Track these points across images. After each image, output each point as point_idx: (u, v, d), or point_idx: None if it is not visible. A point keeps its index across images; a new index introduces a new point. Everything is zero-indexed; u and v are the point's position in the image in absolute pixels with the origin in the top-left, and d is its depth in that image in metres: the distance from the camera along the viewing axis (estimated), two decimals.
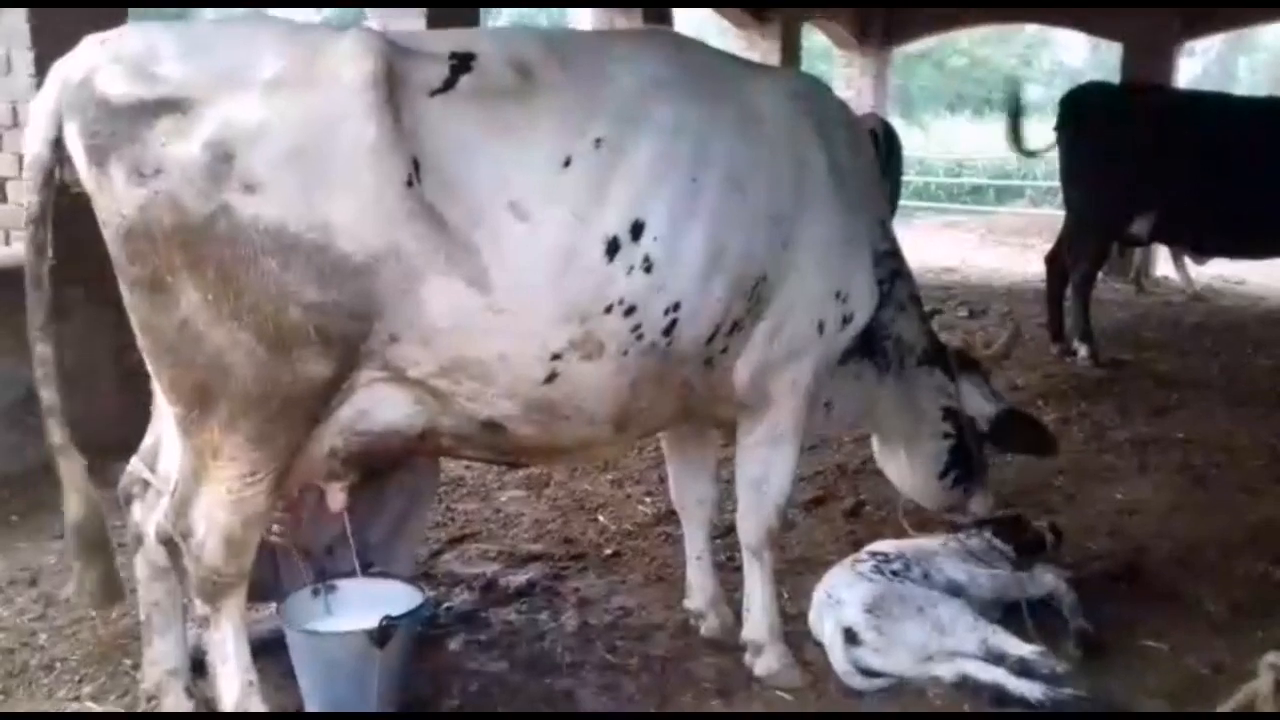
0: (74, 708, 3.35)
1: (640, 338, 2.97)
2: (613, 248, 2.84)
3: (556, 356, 2.88)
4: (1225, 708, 3.08)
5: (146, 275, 2.54)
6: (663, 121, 2.96)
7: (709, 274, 3.04)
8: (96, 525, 2.83)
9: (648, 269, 2.90)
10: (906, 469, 4.20)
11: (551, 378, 2.90)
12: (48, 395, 2.76)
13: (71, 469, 2.79)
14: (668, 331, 3.01)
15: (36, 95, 2.61)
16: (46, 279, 2.70)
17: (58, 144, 2.57)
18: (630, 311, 2.91)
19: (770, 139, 3.25)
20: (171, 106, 2.45)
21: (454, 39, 2.80)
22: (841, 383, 3.85)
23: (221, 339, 2.56)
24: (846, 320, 3.51)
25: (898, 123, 15.83)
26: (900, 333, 3.98)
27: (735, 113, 3.20)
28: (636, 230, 2.87)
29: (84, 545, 2.82)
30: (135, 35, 2.56)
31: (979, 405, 4.16)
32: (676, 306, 3.00)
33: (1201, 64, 31.55)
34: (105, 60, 2.49)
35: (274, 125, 2.48)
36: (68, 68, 2.54)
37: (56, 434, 2.78)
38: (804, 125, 3.37)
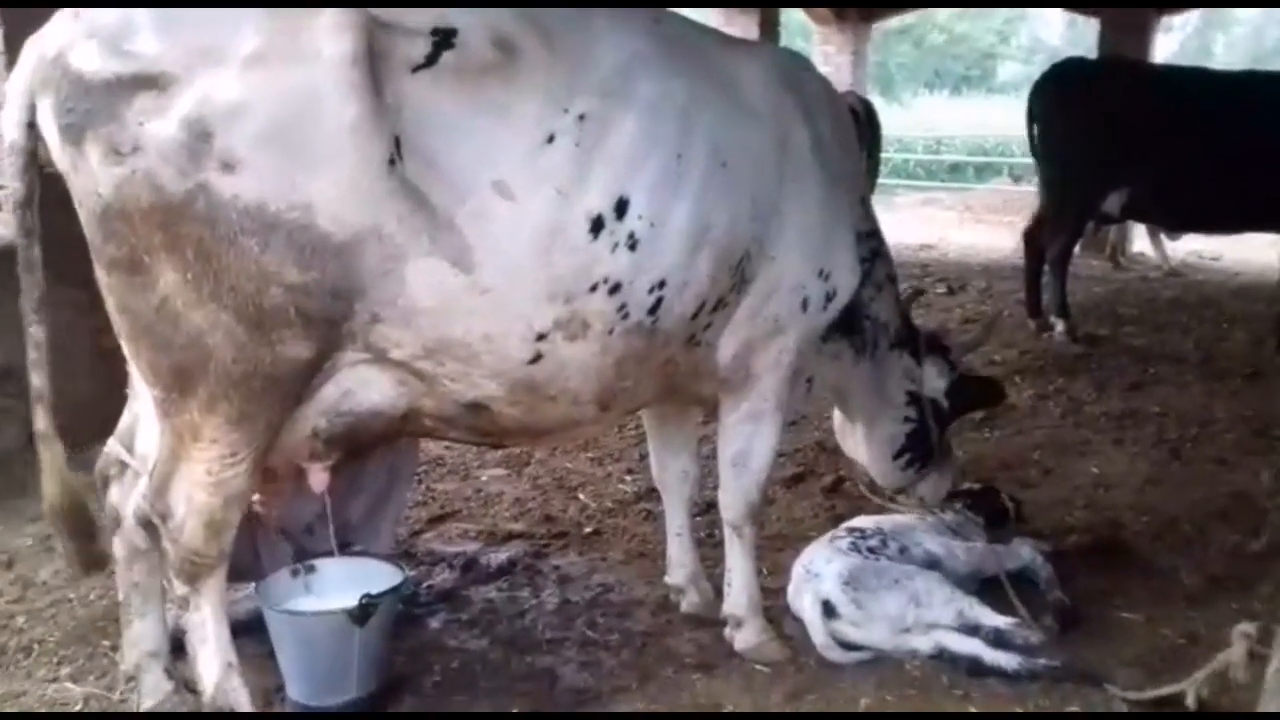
0: (53, 689, 3.35)
1: (626, 316, 2.96)
2: (597, 225, 2.83)
3: (541, 337, 2.87)
4: (1199, 677, 3.12)
5: (124, 256, 2.51)
6: (647, 97, 2.94)
7: (694, 251, 3.04)
8: (77, 508, 2.84)
9: (632, 247, 2.89)
10: (863, 445, 4.25)
11: (536, 358, 2.89)
12: (38, 380, 2.75)
13: (51, 455, 2.79)
14: (653, 310, 3.01)
15: (8, 74, 2.57)
16: (39, 263, 2.68)
17: (35, 125, 2.53)
18: (615, 290, 2.91)
19: (754, 115, 3.25)
20: (148, 83, 2.41)
21: (435, 14, 2.77)
22: (821, 361, 3.87)
23: (201, 320, 2.53)
24: (829, 298, 3.52)
25: (876, 100, 15.83)
26: (878, 313, 4.01)
27: (719, 88, 3.19)
28: (621, 208, 2.86)
29: (66, 526, 2.84)
30: (110, 9, 2.52)
31: (935, 385, 4.22)
32: (662, 284, 2.99)
33: (1179, 39, 31.64)
34: (79, 36, 2.44)
35: (253, 103, 2.43)
36: (40, 45, 2.50)
37: (42, 420, 2.77)
38: (787, 101, 3.36)
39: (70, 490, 2.82)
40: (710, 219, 3.05)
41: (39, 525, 4.58)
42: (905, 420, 4.16)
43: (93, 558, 2.93)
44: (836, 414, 4.36)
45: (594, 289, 2.87)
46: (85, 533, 2.87)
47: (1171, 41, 28.74)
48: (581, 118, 2.81)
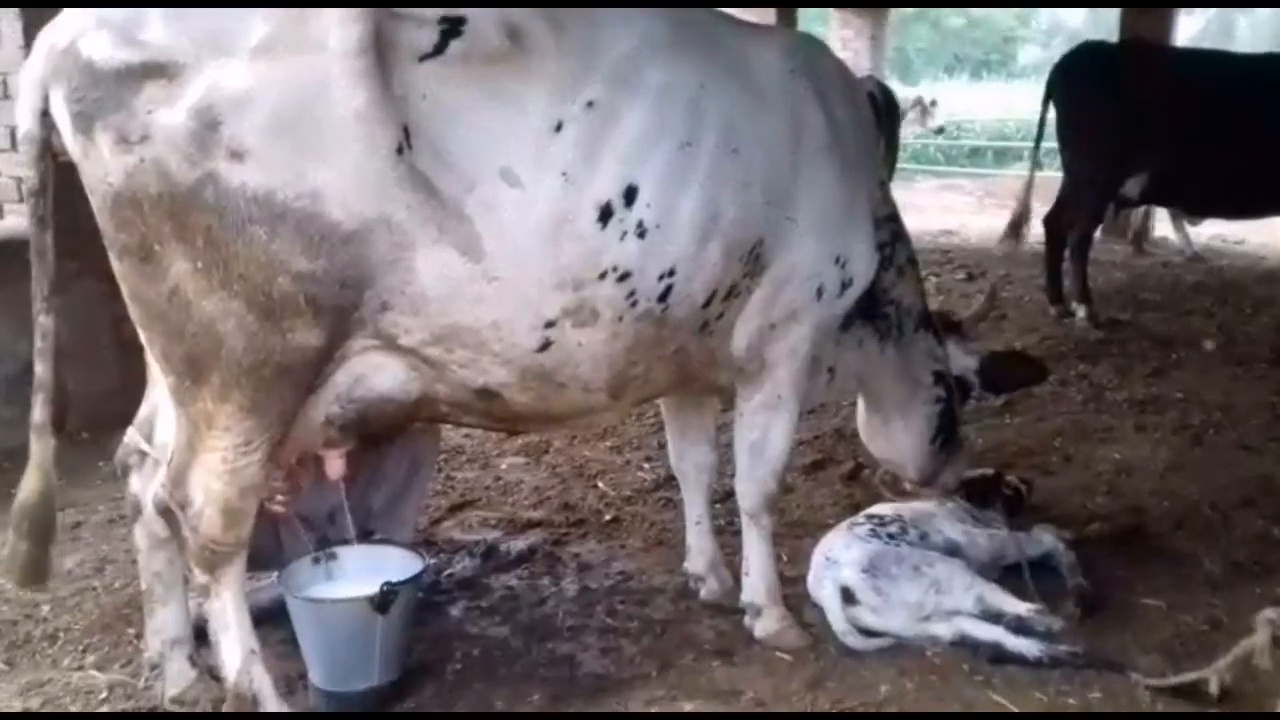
0: (78, 677, 3.38)
1: (635, 304, 2.96)
2: (605, 213, 2.83)
3: (550, 324, 2.87)
4: (1222, 663, 3.10)
5: (135, 244, 2.53)
6: (656, 83, 2.93)
7: (704, 239, 3.02)
8: (46, 511, 2.82)
9: (641, 234, 2.88)
10: (899, 436, 4.15)
11: (546, 345, 2.90)
12: (42, 370, 2.77)
13: (41, 448, 2.79)
14: (663, 298, 3.00)
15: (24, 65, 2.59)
16: (50, 252, 2.70)
17: (48, 114, 2.55)
18: (624, 278, 2.90)
19: (767, 100, 3.22)
20: (157, 72, 2.42)
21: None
22: (844, 350, 3.84)
23: (211, 308, 2.55)
24: (845, 285, 3.50)
25: (895, 85, 15.74)
26: (901, 297, 3.96)
27: (731, 74, 3.16)
28: (629, 195, 2.85)
29: (29, 526, 2.80)
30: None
31: (963, 362, 4.20)
32: (671, 272, 2.99)
33: (1201, 21, 31.27)
34: (91, 25, 2.46)
35: (261, 92, 2.45)
36: (53, 34, 2.52)
37: (39, 411, 2.78)
38: (801, 86, 3.33)
39: (47, 492, 2.81)
40: (720, 207, 3.04)
41: (63, 514, 4.62)
42: (936, 400, 4.09)
43: (37, 567, 2.85)
44: (861, 413, 4.28)
45: (603, 277, 2.87)
46: (41, 540, 2.83)
47: (1194, 24, 28.41)
48: (590, 105, 2.80)
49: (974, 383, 4.22)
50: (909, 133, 17.52)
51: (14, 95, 5.37)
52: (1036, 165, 8.75)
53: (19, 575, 2.87)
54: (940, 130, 18.70)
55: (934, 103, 17.44)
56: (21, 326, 4.70)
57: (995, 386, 4.34)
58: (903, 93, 17.91)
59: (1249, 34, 33.36)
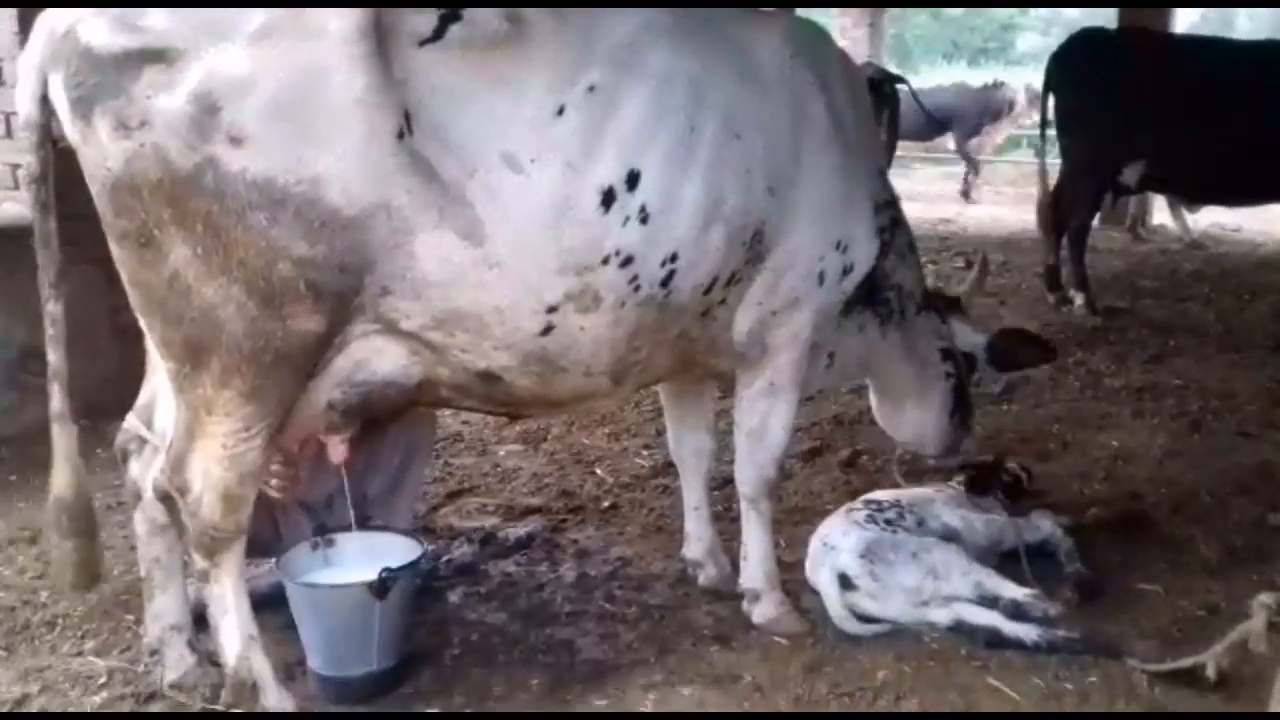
0: (77, 663, 3.38)
1: (637, 289, 2.96)
2: (608, 198, 2.82)
3: (552, 309, 2.87)
4: (1219, 648, 3.11)
5: (134, 230, 2.52)
6: (658, 69, 2.92)
7: (707, 224, 3.02)
8: (83, 501, 2.83)
9: (644, 219, 2.88)
10: (917, 415, 4.15)
11: (548, 330, 2.90)
12: (55, 357, 2.77)
13: (65, 438, 2.80)
14: (665, 283, 3.00)
15: (22, 52, 2.58)
16: (54, 238, 2.70)
17: (47, 100, 2.54)
18: (627, 263, 2.90)
19: (768, 86, 3.22)
20: (156, 57, 2.41)
21: None
22: (845, 335, 3.84)
23: (211, 294, 2.54)
24: (847, 271, 3.50)
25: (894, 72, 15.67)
26: (902, 281, 3.95)
27: (733, 60, 3.16)
28: (632, 180, 2.85)
29: (69, 522, 2.81)
30: None
31: (970, 339, 4.21)
32: (674, 257, 2.99)
33: (1200, 11, 31.16)
34: (89, 11, 2.45)
35: (260, 76, 2.44)
36: (51, 20, 2.51)
37: (57, 400, 2.78)
38: (803, 72, 3.32)
39: (80, 481, 2.82)
40: (722, 192, 3.04)
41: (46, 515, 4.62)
42: (947, 376, 4.10)
43: (89, 565, 2.85)
44: (874, 399, 4.28)
45: (605, 262, 2.87)
46: (86, 532, 2.83)
47: (1193, 13, 28.31)
48: (591, 89, 2.79)
49: (980, 359, 4.23)
50: (1011, 126, 17.24)
51: (9, 81, 5.37)
52: (1041, 153, 8.74)
53: (72, 577, 2.86)
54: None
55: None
56: (17, 313, 4.71)
57: (1003, 364, 4.34)
58: (1011, 80, 17.65)
59: (1249, 23, 33.22)
